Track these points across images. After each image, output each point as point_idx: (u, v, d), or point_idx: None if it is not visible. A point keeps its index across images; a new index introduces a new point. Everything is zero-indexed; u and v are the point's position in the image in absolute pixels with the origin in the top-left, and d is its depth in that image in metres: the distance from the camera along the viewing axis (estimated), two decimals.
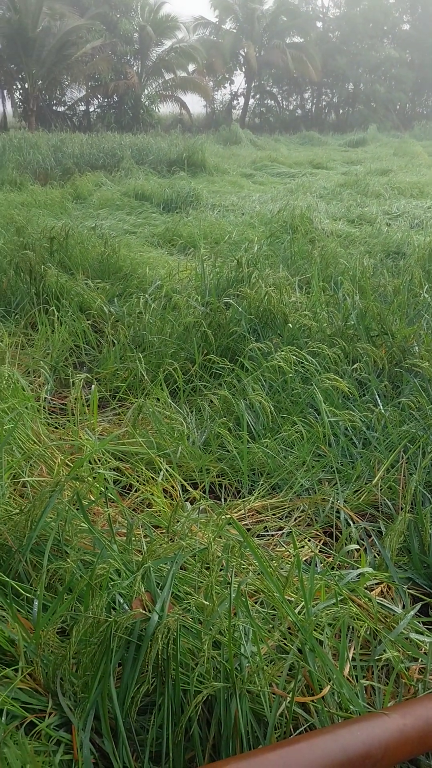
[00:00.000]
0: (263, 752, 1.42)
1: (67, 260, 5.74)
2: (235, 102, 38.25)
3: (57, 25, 25.77)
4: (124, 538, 2.15)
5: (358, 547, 2.33)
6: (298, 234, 7.34)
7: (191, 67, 32.19)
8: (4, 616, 1.82)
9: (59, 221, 8.32)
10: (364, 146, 25.75)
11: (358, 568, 2.20)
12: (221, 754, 1.59)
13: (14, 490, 2.46)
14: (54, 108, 30.32)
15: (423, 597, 2.27)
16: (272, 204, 10.39)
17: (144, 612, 1.67)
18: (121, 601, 1.79)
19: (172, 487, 2.74)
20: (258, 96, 39.09)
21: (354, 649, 1.88)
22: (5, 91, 28.77)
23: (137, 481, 2.72)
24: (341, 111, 41.10)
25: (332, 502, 2.71)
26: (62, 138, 18.03)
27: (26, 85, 26.64)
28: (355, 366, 3.67)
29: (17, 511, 2.17)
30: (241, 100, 38.01)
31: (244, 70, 36.28)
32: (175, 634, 1.61)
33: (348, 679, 1.77)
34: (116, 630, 1.58)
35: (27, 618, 1.83)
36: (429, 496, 2.80)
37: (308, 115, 40.33)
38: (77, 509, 2.15)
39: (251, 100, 38.37)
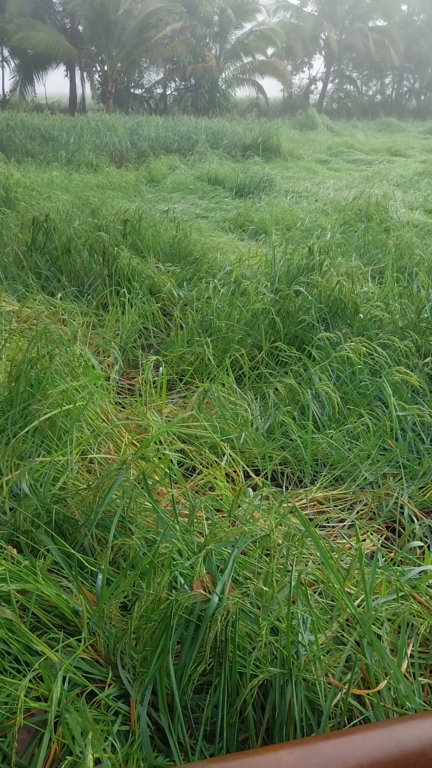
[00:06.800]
0: (317, 740, 1.42)
1: (140, 243, 5.81)
2: (312, 86, 37.60)
3: (138, 7, 25.84)
4: (186, 520, 2.18)
5: (421, 544, 2.29)
6: (372, 222, 7.20)
7: (270, 51, 31.74)
8: (69, 588, 1.88)
9: (133, 204, 8.43)
10: None
11: (420, 565, 2.17)
12: (274, 738, 1.60)
13: (82, 465, 2.53)
14: (131, 90, 30.53)
15: None
16: (347, 191, 10.21)
17: (204, 593, 1.69)
18: (182, 581, 1.82)
19: (235, 472, 2.76)
20: (337, 81, 38.29)
21: (413, 646, 1.86)
22: (85, 73, 29.17)
23: (201, 464, 2.74)
24: (422, 97, 39.83)
25: (396, 498, 2.68)
26: (138, 121, 18.19)
27: (105, 68, 26.90)
28: (426, 360, 3.59)
29: (85, 486, 2.24)
30: (319, 84, 37.33)
31: (323, 53, 35.56)
32: (234, 617, 1.62)
33: (405, 675, 1.76)
34: (177, 609, 1.61)
35: (91, 591, 1.88)
36: None
37: (388, 101, 39.23)
38: (142, 488, 2.19)
39: (330, 85, 37.65)
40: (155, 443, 2.68)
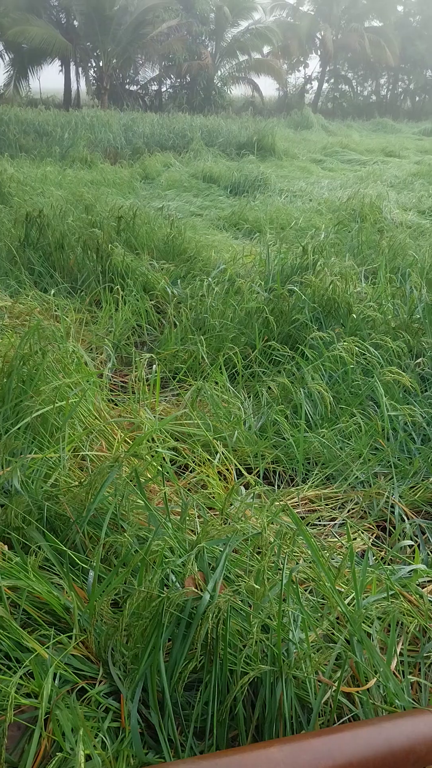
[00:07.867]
0: (307, 737, 1.43)
1: (134, 240, 5.80)
2: (308, 86, 37.56)
3: (134, 3, 25.76)
4: (179, 517, 2.18)
5: (411, 543, 2.30)
6: (366, 223, 7.22)
7: (266, 49, 31.69)
8: (60, 585, 1.88)
9: (127, 201, 8.41)
10: None
11: (411, 564, 2.18)
12: (264, 735, 1.61)
13: (74, 462, 2.53)
14: (127, 87, 30.41)
15: None
16: (341, 191, 10.23)
17: (196, 591, 1.70)
18: (174, 578, 1.83)
19: (227, 470, 2.76)
20: (332, 80, 38.28)
21: (402, 645, 1.87)
22: (80, 69, 29.04)
23: (193, 462, 2.75)
24: (417, 98, 39.86)
25: (387, 497, 2.69)
26: (133, 117, 18.14)
27: (101, 63, 26.80)
28: (418, 360, 3.61)
29: (77, 483, 2.24)
30: (315, 83, 37.31)
31: (319, 53, 35.57)
32: (225, 614, 1.63)
33: (395, 673, 1.77)
34: (168, 606, 1.62)
35: (82, 588, 1.89)
36: None
37: (383, 102, 39.22)
38: (135, 486, 2.19)
39: (325, 85, 37.63)
40: (148, 441, 2.68)
